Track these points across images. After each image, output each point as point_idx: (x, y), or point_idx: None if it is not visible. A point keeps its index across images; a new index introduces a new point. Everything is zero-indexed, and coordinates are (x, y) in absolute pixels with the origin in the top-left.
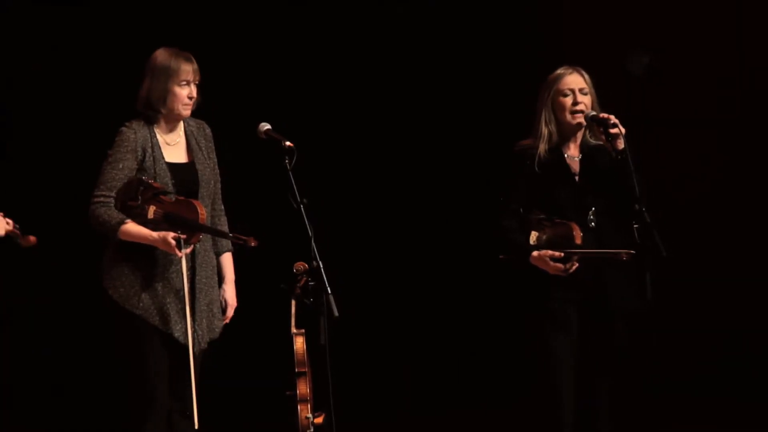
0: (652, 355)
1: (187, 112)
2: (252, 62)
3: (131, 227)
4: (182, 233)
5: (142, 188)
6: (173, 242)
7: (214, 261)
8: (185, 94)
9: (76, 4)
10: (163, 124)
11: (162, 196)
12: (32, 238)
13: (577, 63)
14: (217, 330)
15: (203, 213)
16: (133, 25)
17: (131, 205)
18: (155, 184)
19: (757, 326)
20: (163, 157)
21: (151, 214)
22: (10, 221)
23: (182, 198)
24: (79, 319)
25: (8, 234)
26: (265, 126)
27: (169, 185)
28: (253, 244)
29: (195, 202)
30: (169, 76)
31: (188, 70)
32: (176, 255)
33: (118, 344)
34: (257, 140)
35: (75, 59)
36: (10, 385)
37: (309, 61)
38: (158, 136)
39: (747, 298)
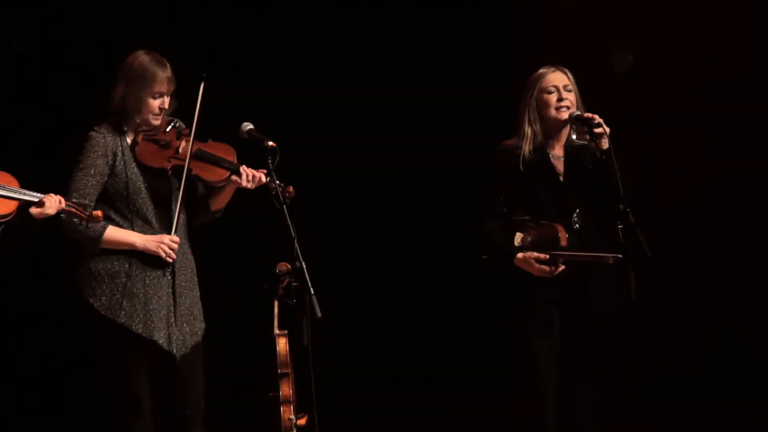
0: (636, 356)
1: (157, 122)
2: (234, 61)
3: (115, 233)
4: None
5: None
6: (166, 248)
7: (193, 263)
8: (157, 104)
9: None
10: (133, 129)
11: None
12: (98, 213)
13: (565, 63)
14: (199, 333)
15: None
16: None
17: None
18: None
19: (747, 326)
20: (134, 161)
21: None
22: (63, 199)
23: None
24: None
25: (62, 212)
26: (248, 126)
27: (143, 189)
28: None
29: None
30: (144, 85)
31: (164, 81)
32: (169, 259)
33: (101, 353)
34: (240, 140)
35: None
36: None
37: (292, 60)
38: (128, 140)
39: (736, 298)
